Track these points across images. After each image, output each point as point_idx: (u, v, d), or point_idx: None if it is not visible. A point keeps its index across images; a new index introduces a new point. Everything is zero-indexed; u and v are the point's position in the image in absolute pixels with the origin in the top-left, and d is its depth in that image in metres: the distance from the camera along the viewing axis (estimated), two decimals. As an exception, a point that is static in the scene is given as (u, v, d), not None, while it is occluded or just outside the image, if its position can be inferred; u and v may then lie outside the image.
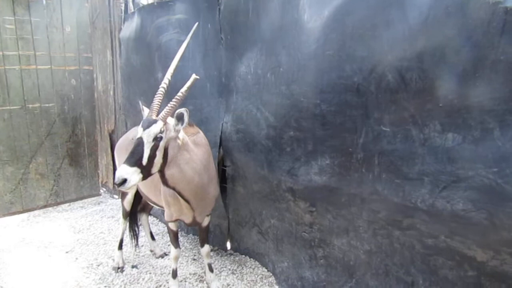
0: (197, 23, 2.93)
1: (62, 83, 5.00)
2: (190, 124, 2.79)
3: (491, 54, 1.80)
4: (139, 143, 2.31)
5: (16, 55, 4.58)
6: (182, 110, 2.40)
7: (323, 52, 2.50)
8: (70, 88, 5.09)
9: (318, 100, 2.58)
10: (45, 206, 5.11)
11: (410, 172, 2.21)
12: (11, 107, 4.63)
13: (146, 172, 2.33)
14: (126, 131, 4.24)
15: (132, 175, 2.24)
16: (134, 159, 2.27)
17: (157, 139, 2.34)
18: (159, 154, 2.38)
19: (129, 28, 4.50)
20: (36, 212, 4.93)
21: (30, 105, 4.77)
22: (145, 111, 2.60)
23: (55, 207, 5.08)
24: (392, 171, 2.30)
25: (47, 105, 4.90)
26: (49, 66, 4.85)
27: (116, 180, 2.22)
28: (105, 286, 3.28)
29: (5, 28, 4.46)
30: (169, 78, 2.54)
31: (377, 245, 2.53)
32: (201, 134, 2.98)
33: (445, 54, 1.96)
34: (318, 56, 2.54)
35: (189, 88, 2.49)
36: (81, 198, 5.43)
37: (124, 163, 2.27)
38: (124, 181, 2.22)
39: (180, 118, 2.44)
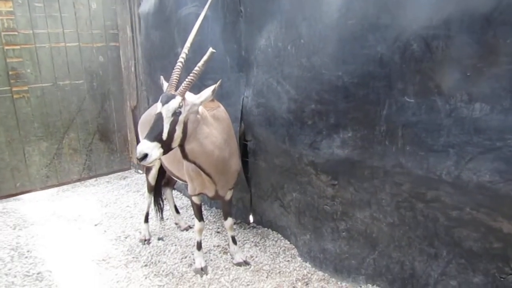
0: None
1: (91, 60, 5.09)
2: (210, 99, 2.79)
3: (523, 19, 1.71)
4: (159, 119, 2.34)
5: (45, 33, 4.67)
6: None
7: (345, 21, 2.43)
8: (98, 65, 5.18)
9: (340, 71, 2.53)
10: (78, 180, 5.31)
11: (435, 144, 2.17)
12: (43, 85, 4.76)
13: (166, 147, 2.37)
14: (148, 107, 4.29)
15: (152, 149, 2.28)
16: (154, 134, 2.31)
17: (176, 114, 2.35)
18: (179, 129, 2.40)
19: (148, 2, 4.47)
20: (65, 187, 5.10)
21: (61, 82, 4.89)
22: (165, 86, 2.61)
23: (82, 182, 5.25)
24: (416, 143, 2.26)
25: (76, 82, 5.02)
26: (77, 44, 4.94)
27: (137, 155, 2.27)
28: (133, 257, 3.41)
29: (34, 7, 4.54)
30: (186, 52, 2.53)
31: (400, 217, 2.52)
32: (222, 108, 2.98)
33: (474, 19, 1.88)
34: (340, 26, 2.47)
35: (206, 62, 2.47)
36: (112, 172, 5.60)
37: (145, 138, 2.31)
38: (145, 155, 2.26)
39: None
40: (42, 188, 5.00)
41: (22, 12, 4.47)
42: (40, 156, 4.92)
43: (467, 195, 2.11)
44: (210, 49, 2.45)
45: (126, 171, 5.67)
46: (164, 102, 2.35)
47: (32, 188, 4.93)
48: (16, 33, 4.45)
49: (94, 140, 5.33)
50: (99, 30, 5.07)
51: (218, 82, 2.53)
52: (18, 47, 4.50)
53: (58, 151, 5.04)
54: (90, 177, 5.40)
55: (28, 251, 3.51)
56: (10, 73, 4.49)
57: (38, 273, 3.18)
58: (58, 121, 4.97)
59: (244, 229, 3.85)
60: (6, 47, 4.41)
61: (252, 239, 3.64)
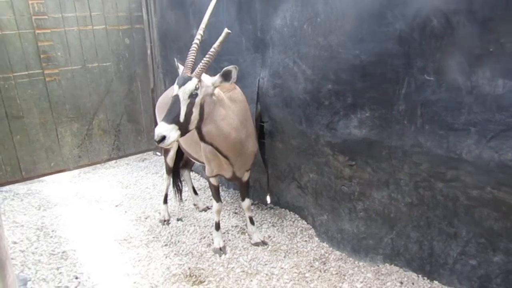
0: None
1: (117, 43, 5.13)
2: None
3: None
4: (176, 101, 2.35)
5: (74, 16, 4.72)
6: (231, 67, 2.41)
7: (363, -2, 2.37)
8: (124, 47, 5.21)
9: (358, 50, 2.48)
10: (108, 160, 5.44)
11: (456, 122, 2.13)
12: (73, 67, 4.86)
13: (183, 129, 2.38)
14: (165, 89, 4.31)
15: (170, 132, 2.30)
16: (172, 116, 2.33)
17: (192, 96, 2.36)
18: (196, 111, 2.41)
19: (163, -16, 4.45)
20: (86, 169, 5.21)
21: (90, 65, 4.97)
22: (181, 69, 2.61)
23: (102, 164, 5.35)
24: (436, 122, 2.22)
25: (104, 64, 5.08)
26: (104, 26, 4.97)
27: (155, 137, 2.29)
28: (154, 237, 3.49)
29: None
30: (202, 33, 2.51)
31: (418, 197, 2.50)
32: (238, 90, 2.97)
33: (498, -7, 1.81)
34: (357, 3, 2.41)
35: (222, 43, 2.45)
36: (139, 152, 5.72)
37: (162, 120, 2.32)
38: (163, 138, 2.28)
39: (226, 76, 2.44)
40: (75, 168, 5.15)
41: None
42: (72, 136, 5.06)
43: (488, 174, 2.07)
44: (226, 30, 2.43)
45: (145, 153, 5.75)
46: (181, 84, 2.36)
47: (65, 168, 5.09)
48: (46, 17, 4.52)
49: (122, 121, 5.43)
50: (124, 13, 5.09)
51: (236, 72, 2.46)
52: (48, 30, 4.57)
53: (88, 131, 5.18)
54: (119, 157, 5.53)
55: (53, 231, 3.63)
56: (42, 56, 4.58)
57: (63, 252, 3.29)
58: (88, 103, 5.07)
59: (261, 210, 3.89)
60: (37, 31, 4.50)
61: (269, 220, 3.68)
